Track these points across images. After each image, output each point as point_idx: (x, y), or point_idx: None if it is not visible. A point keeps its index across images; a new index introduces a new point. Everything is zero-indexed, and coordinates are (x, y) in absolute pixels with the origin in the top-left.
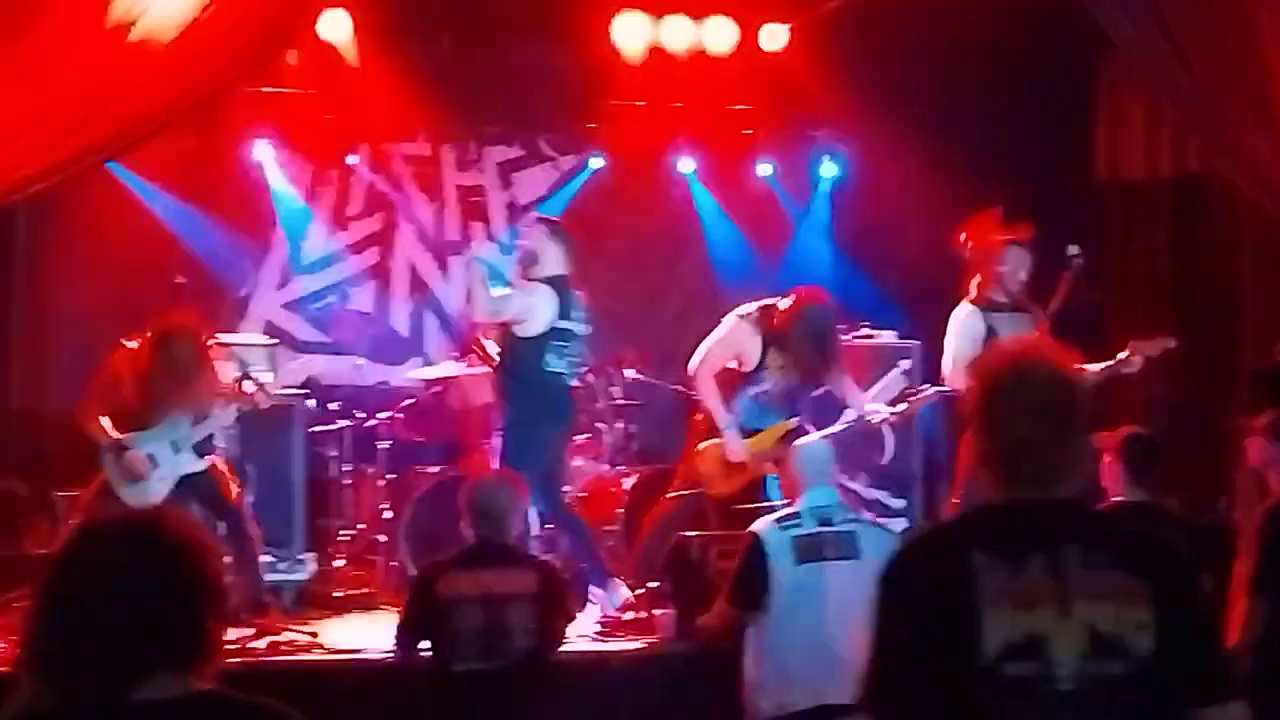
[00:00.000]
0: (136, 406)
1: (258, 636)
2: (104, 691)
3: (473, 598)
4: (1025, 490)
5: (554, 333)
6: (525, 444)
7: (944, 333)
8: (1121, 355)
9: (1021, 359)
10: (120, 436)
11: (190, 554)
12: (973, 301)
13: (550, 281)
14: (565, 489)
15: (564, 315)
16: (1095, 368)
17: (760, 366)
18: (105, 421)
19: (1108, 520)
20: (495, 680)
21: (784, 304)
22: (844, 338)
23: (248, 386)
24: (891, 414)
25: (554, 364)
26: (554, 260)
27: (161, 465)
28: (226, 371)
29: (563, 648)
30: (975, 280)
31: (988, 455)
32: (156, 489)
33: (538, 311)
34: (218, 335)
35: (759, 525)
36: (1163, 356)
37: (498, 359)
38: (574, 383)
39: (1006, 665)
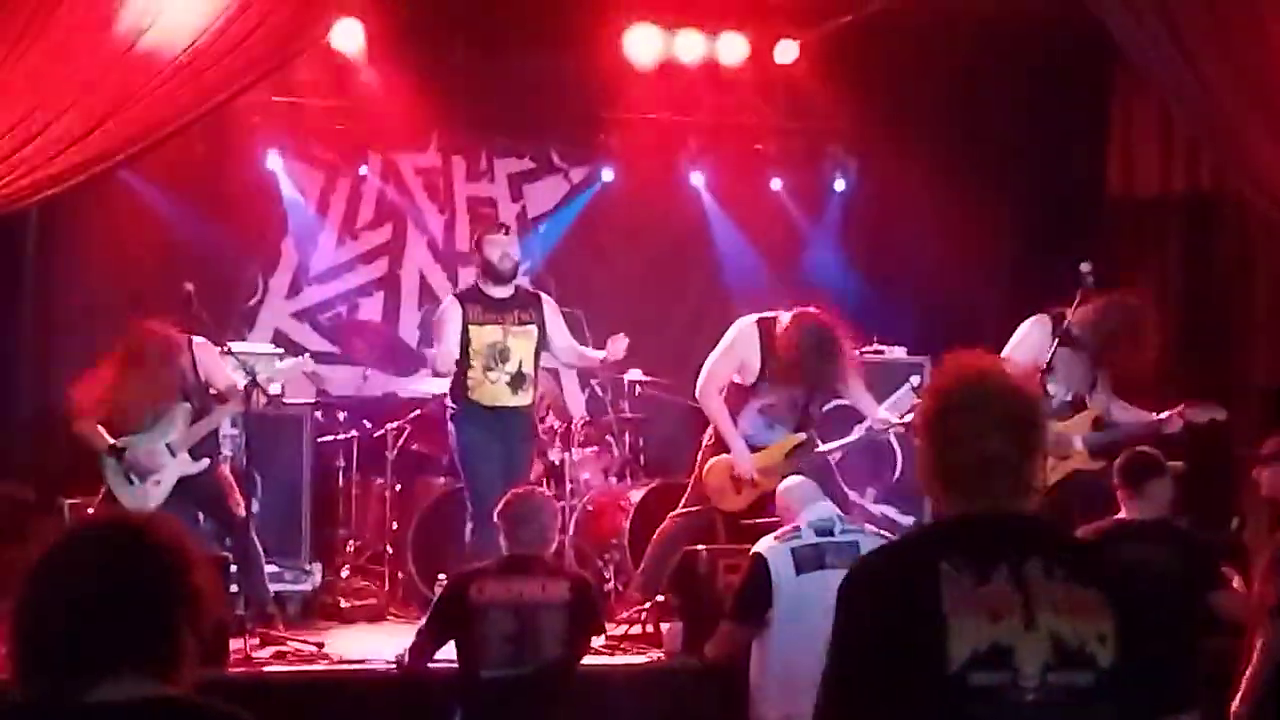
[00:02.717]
0: (125, 410)
1: (262, 646)
2: (60, 688)
3: (505, 603)
4: (990, 504)
5: None
6: None
7: (953, 348)
8: (1165, 414)
9: (982, 374)
10: (114, 441)
11: (170, 559)
12: (1052, 318)
13: None
14: None
15: None
16: (1137, 416)
17: (760, 379)
18: (100, 428)
19: (1066, 535)
20: (522, 687)
21: (784, 317)
22: (854, 353)
23: (254, 394)
24: (901, 427)
25: None
26: None
27: (158, 468)
28: (232, 377)
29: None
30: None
31: (950, 469)
32: (155, 492)
33: None
34: (226, 343)
35: (760, 544)
36: (1207, 425)
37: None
38: None
39: (972, 674)
